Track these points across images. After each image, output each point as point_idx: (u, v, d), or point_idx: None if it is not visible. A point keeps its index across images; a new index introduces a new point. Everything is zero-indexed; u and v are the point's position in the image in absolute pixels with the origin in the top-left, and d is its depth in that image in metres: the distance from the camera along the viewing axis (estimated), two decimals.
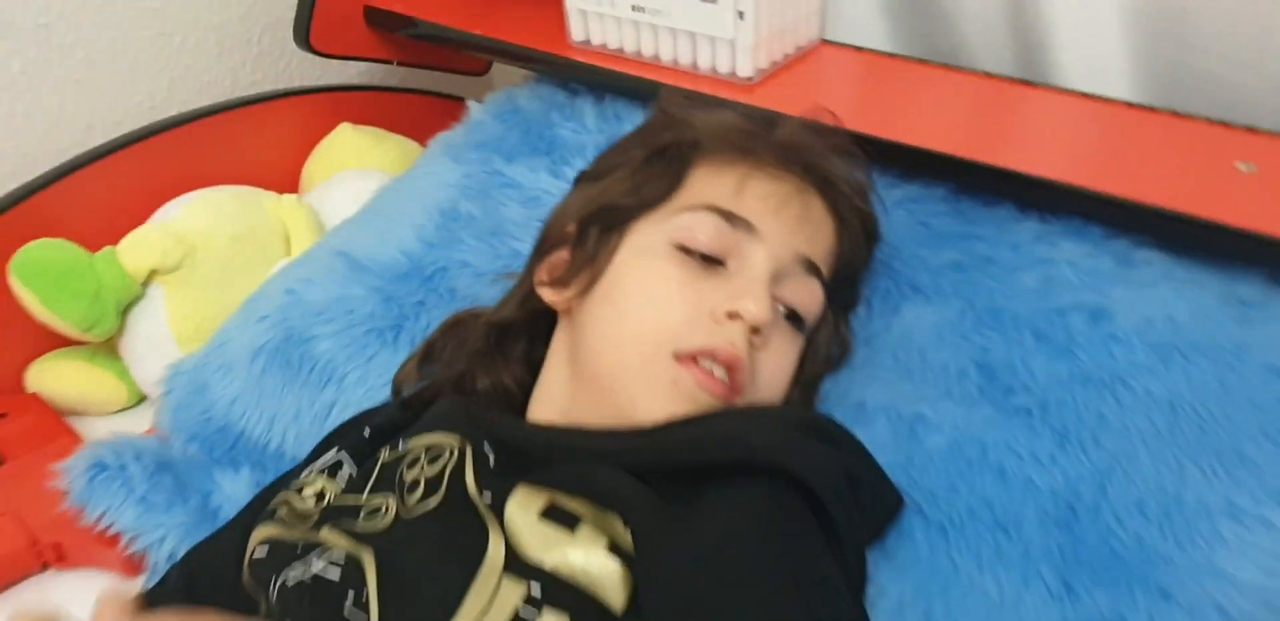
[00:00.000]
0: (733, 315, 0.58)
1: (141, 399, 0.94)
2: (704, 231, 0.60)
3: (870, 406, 0.64)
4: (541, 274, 0.67)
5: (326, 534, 0.57)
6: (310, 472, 0.65)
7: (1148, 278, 0.67)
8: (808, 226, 0.62)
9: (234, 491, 0.74)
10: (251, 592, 0.60)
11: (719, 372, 0.57)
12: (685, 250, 0.60)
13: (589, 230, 0.65)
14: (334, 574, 0.54)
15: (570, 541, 0.52)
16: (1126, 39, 0.88)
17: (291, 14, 1.05)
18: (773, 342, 0.60)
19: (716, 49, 0.86)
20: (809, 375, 0.64)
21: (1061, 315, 0.66)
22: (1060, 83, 0.89)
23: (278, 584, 0.56)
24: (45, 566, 0.78)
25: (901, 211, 0.75)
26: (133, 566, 0.74)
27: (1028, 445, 0.60)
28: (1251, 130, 0.75)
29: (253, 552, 0.60)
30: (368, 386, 0.76)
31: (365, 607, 0.52)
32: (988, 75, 0.88)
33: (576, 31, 0.94)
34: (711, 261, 0.60)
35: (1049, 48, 0.91)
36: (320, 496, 0.63)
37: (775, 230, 0.61)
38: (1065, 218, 0.71)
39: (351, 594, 0.53)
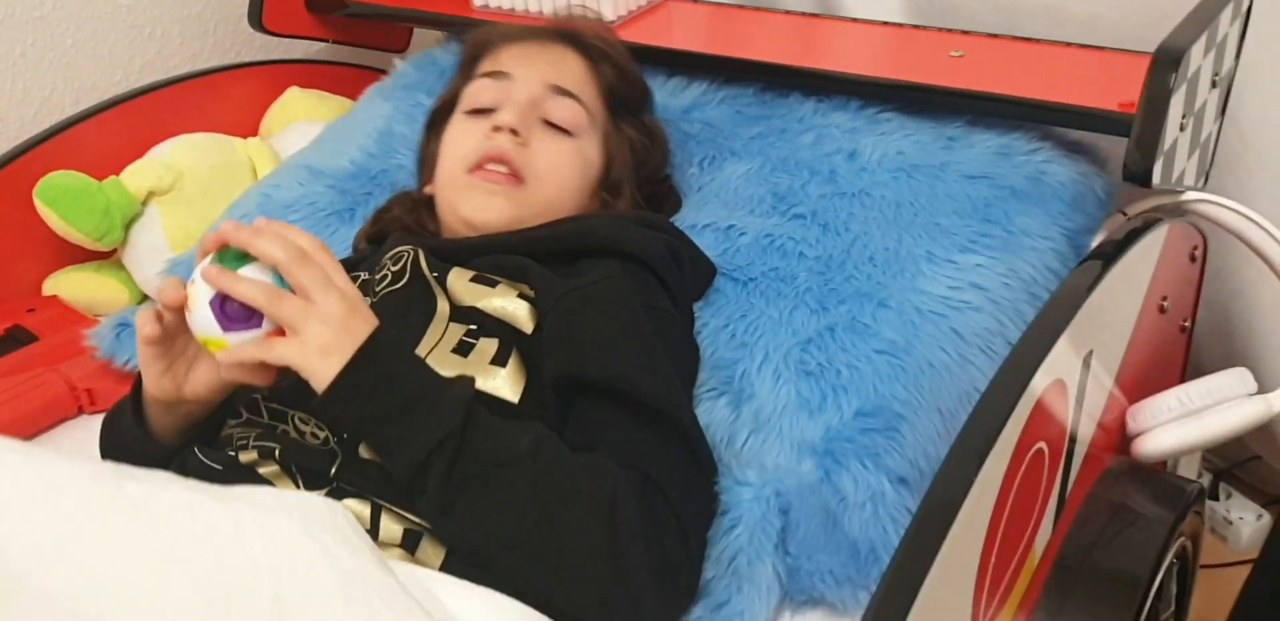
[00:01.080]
0: (495, 128, 0.84)
1: (143, 299, 1.17)
2: (479, 93, 0.87)
3: (702, 224, 0.91)
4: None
5: None
6: None
7: (887, 129, 0.95)
8: (556, 67, 0.89)
9: None
10: None
11: (500, 168, 0.83)
12: (473, 112, 0.87)
13: (428, 135, 0.93)
14: None
15: (493, 293, 0.77)
16: None
17: (238, 11, 1.30)
18: (540, 143, 0.85)
19: (584, 1, 1.14)
20: (615, 176, 0.89)
21: (828, 157, 0.94)
22: (847, 14, 1.19)
23: None
24: (80, 410, 1.00)
25: (725, 104, 1.03)
26: None
27: (801, 234, 0.87)
28: (965, 32, 1.05)
29: None
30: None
31: None
32: (794, 13, 1.17)
33: None
34: (491, 111, 0.86)
35: None
36: None
37: (526, 72, 0.88)
38: (834, 97, 1.00)
39: None
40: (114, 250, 1.15)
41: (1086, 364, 0.76)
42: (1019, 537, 0.71)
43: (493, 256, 0.79)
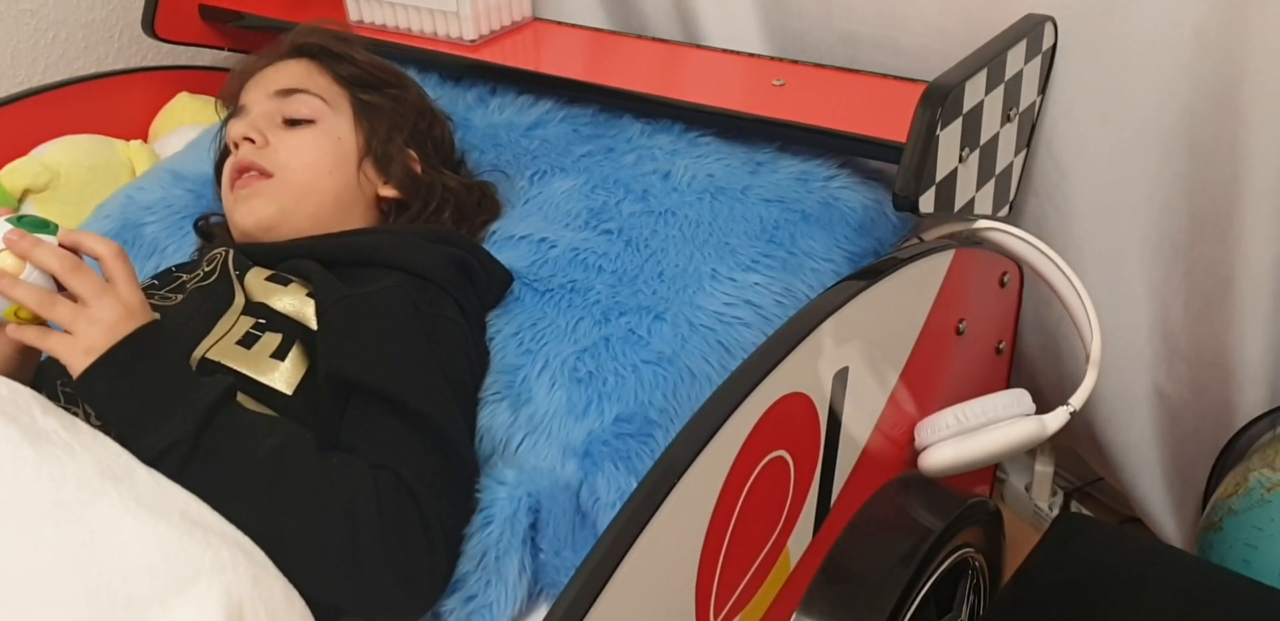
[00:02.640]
0: (235, 145, 0.94)
1: None
2: (228, 132, 0.95)
3: (519, 236, 0.97)
4: None
5: None
6: None
7: (704, 152, 1.01)
8: (278, 74, 0.97)
9: None
10: None
11: (249, 174, 0.91)
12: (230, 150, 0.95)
13: (216, 182, 1.02)
14: None
15: (284, 291, 0.82)
16: (755, 11, 1.24)
17: (137, 20, 1.35)
18: (280, 139, 0.93)
19: (448, 20, 1.19)
20: (379, 146, 0.96)
21: (645, 177, 0.99)
22: (710, 43, 1.24)
23: None
24: None
25: (564, 123, 1.09)
26: None
27: (605, 249, 0.92)
28: (795, 62, 1.10)
29: None
30: (182, 254, 1.05)
31: None
32: (657, 39, 1.22)
33: (353, 13, 1.27)
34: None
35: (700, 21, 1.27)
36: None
37: (256, 94, 0.96)
38: (660, 120, 1.05)
39: None
40: None
41: (841, 380, 0.81)
42: (757, 540, 0.76)
43: (291, 260, 0.85)
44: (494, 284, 0.90)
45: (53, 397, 0.80)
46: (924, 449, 0.94)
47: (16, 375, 0.76)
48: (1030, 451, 1.46)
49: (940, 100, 0.83)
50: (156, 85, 1.38)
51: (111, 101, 1.35)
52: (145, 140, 1.34)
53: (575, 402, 0.80)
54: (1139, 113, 1.03)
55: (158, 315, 0.73)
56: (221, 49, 1.43)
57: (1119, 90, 1.02)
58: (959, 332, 0.99)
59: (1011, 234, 0.96)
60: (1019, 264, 1.06)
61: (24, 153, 1.23)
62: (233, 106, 1.01)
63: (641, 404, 0.79)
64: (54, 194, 1.18)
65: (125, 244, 1.07)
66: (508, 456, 0.81)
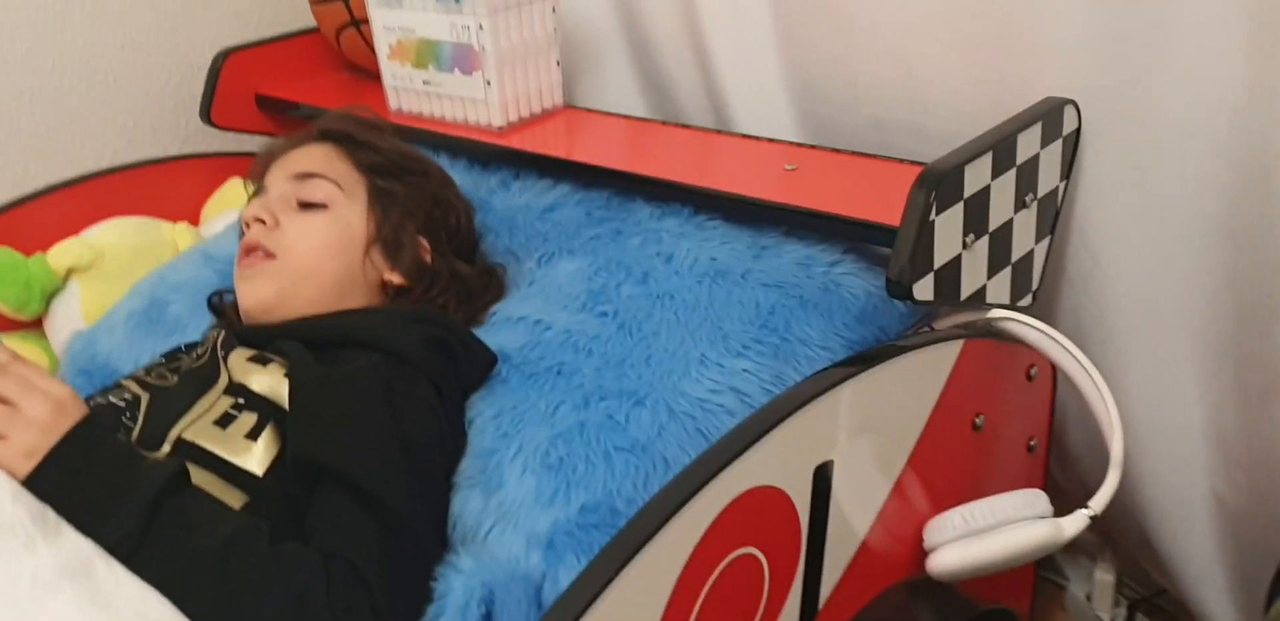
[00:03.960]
0: (247, 225, 0.96)
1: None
2: (247, 213, 0.97)
3: (518, 317, 0.96)
4: None
5: (125, 382, 0.88)
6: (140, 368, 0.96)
7: (708, 236, 0.99)
8: (299, 158, 0.99)
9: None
10: None
11: (255, 253, 0.94)
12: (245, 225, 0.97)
13: None
14: (120, 401, 0.85)
15: (262, 371, 0.83)
16: (785, 98, 1.23)
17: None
18: (291, 221, 0.95)
19: (478, 107, 1.22)
20: (388, 233, 0.97)
21: (648, 259, 0.97)
22: (743, 131, 1.23)
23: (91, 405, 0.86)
24: None
25: (579, 207, 1.09)
26: None
27: (597, 332, 0.91)
28: (812, 146, 1.08)
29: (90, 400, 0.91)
30: (201, 333, 1.07)
31: (134, 418, 0.82)
32: (690, 127, 1.22)
33: (392, 102, 1.31)
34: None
35: (731, 108, 1.27)
36: (144, 373, 0.93)
37: (275, 176, 0.98)
38: (671, 204, 1.04)
39: (128, 411, 0.83)
40: (39, 319, 1.25)
41: (824, 475, 0.76)
42: None
43: (276, 341, 0.85)
44: (476, 365, 0.88)
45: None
46: (931, 550, 0.87)
47: None
48: (1091, 558, 1.36)
49: (935, 183, 0.80)
50: (211, 170, 1.44)
51: (166, 185, 1.41)
52: (196, 223, 1.39)
53: (544, 489, 0.77)
54: (1174, 197, 0.97)
55: (87, 408, 0.72)
56: (276, 136, 1.49)
57: (1151, 174, 0.98)
58: (975, 427, 0.93)
59: (1025, 324, 0.90)
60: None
61: (77, 231, 1.28)
62: (255, 187, 1.03)
63: (609, 493, 0.76)
64: (97, 273, 1.23)
65: (150, 322, 1.10)
66: (477, 544, 0.78)
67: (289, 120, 1.46)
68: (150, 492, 0.68)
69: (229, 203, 1.39)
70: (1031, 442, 1.03)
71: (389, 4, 1.24)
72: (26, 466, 0.68)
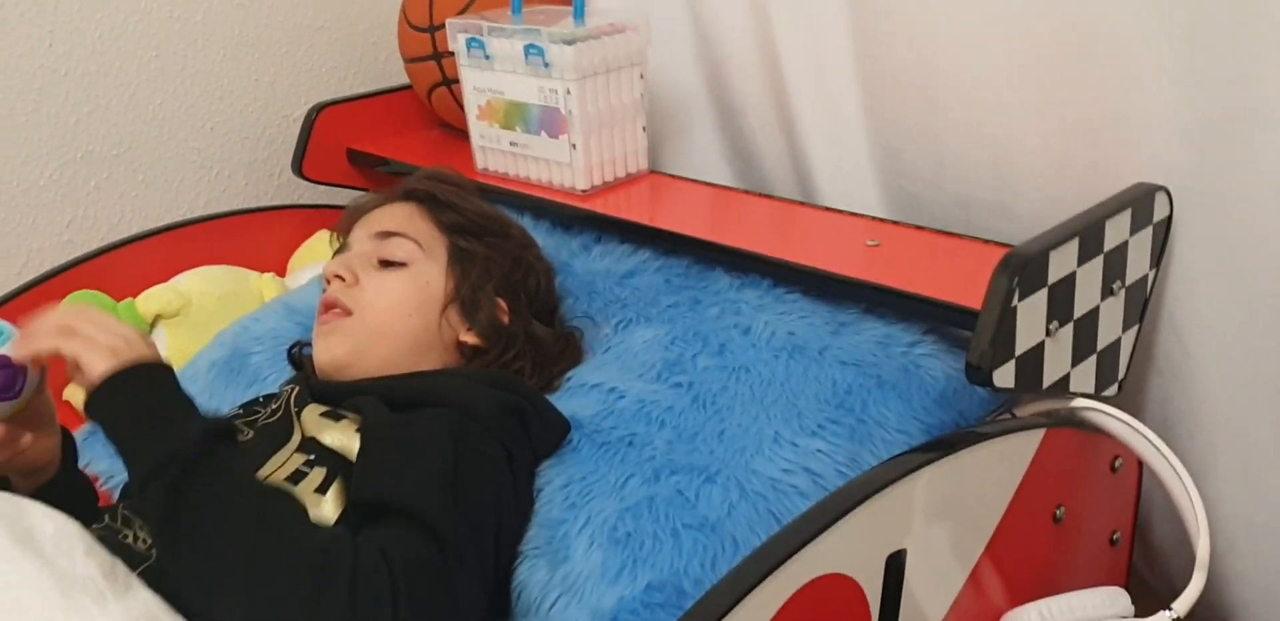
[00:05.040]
0: (328, 281, 0.98)
1: None
2: (329, 270, 0.99)
3: (591, 384, 0.96)
4: None
5: None
6: None
7: (787, 309, 0.98)
8: (382, 217, 1.01)
9: None
10: None
11: (334, 310, 0.95)
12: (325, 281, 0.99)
13: None
14: None
15: (335, 427, 0.84)
16: (870, 171, 1.23)
17: None
18: (370, 278, 0.97)
19: (562, 170, 1.24)
20: (467, 293, 0.98)
21: (725, 331, 0.97)
22: (827, 204, 1.23)
23: None
24: None
25: (658, 274, 1.09)
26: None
27: (670, 403, 0.90)
28: (895, 223, 1.08)
29: None
30: (280, 385, 1.09)
31: None
32: (774, 198, 1.22)
33: (479, 161, 1.33)
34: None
35: (817, 179, 1.27)
36: None
37: (359, 234, 1.00)
38: (750, 275, 1.04)
39: None
40: None
41: (897, 564, 0.74)
42: None
43: (351, 398, 0.86)
44: (550, 432, 0.88)
45: (111, 517, 0.83)
46: None
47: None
48: None
49: (1019, 268, 0.79)
50: (300, 221, 1.48)
51: (256, 235, 1.45)
52: (283, 274, 1.42)
53: (610, 565, 0.76)
54: (1268, 286, 0.94)
55: (155, 351, 0.76)
56: (366, 190, 1.53)
57: (1245, 262, 0.95)
58: (1056, 519, 0.90)
59: (1109, 415, 0.88)
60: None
61: (166, 279, 1.32)
62: (340, 243, 1.06)
63: (676, 572, 0.75)
64: (184, 320, 1.26)
65: (231, 372, 1.12)
66: (541, 615, 0.77)
67: (377, 175, 1.50)
68: (205, 425, 0.71)
69: (316, 255, 1.42)
70: (1115, 536, 1.00)
71: (480, 66, 1.28)
72: (107, 364, 0.71)
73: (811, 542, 0.66)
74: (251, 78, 1.53)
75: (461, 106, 1.41)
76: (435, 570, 0.70)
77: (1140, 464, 1.00)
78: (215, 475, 0.69)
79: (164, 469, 0.68)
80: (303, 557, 0.67)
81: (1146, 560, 1.14)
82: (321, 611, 0.65)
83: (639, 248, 1.14)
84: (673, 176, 1.30)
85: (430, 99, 1.47)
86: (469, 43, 1.27)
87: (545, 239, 1.19)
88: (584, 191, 1.23)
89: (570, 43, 1.17)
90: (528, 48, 1.20)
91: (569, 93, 1.19)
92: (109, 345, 0.72)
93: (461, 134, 1.47)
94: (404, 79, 1.54)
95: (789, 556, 0.65)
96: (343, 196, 1.58)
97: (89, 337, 0.73)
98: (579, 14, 1.24)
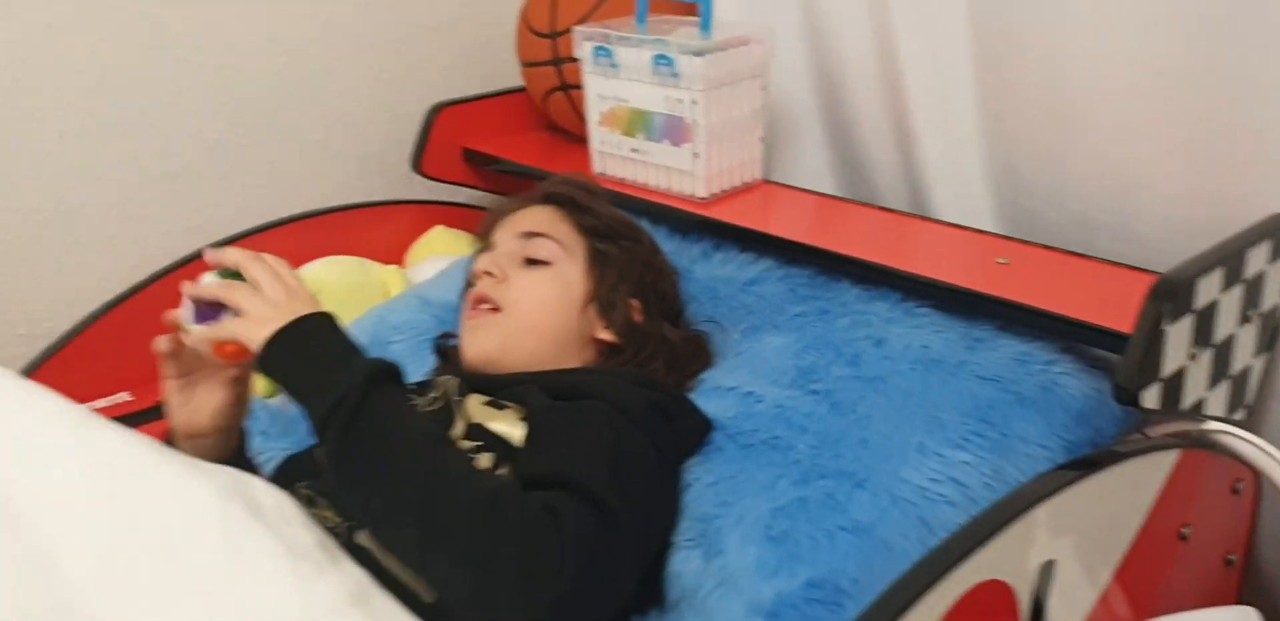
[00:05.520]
0: (477, 277, 1.03)
1: (273, 392, 1.33)
2: (475, 265, 1.04)
3: (727, 387, 1.00)
4: None
5: None
6: None
7: (920, 323, 1.02)
8: (526, 218, 1.06)
9: None
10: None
11: (483, 306, 1.00)
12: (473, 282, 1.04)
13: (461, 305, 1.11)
14: None
15: (499, 415, 0.88)
16: (985, 187, 1.26)
17: (408, 157, 1.52)
18: (517, 276, 1.01)
19: (683, 178, 1.27)
20: (605, 292, 1.03)
21: (857, 342, 1.01)
22: (938, 217, 1.26)
23: None
24: None
25: (782, 282, 1.13)
26: None
27: (810, 409, 0.94)
28: (1024, 242, 1.11)
29: None
30: (422, 374, 1.14)
31: None
32: (883, 209, 1.26)
33: (597, 165, 1.37)
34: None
35: (931, 193, 1.30)
36: None
37: (503, 234, 1.05)
38: (879, 288, 1.07)
39: None
40: None
41: (1047, 573, 0.78)
42: None
43: (509, 387, 0.90)
44: (693, 432, 0.92)
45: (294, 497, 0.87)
46: None
47: (232, 411, 0.86)
48: None
49: (1170, 295, 0.82)
50: (416, 216, 1.53)
51: (375, 228, 1.50)
52: (400, 265, 1.47)
53: (766, 560, 0.80)
54: None
55: (320, 305, 0.81)
56: (477, 189, 1.58)
57: None
58: (1182, 538, 0.93)
59: (1245, 439, 0.91)
60: (1256, 472, 1.00)
61: (296, 266, 1.37)
62: (483, 242, 1.10)
63: (834, 571, 0.78)
64: None
65: None
66: (695, 603, 0.81)
67: (490, 174, 1.55)
68: (371, 367, 0.74)
69: (433, 249, 1.47)
70: (1230, 557, 1.02)
71: (605, 73, 1.31)
72: (262, 332, 0.75)
73: (980, 548, 0.70)
74: (369, 75, 1.58)
75: (577, 111, 1.45)
76: (599, 534, 0.73)
77: (1259, 487, 1.02)
78: (387, 416, 0.74)
79: (339, 408, 0.72)
80: (475, 498, 0.70)
81: (1252, 583, 1.16)
82: (495, 550, 0.68)
83: (760, 256, 1.18)
84: (786, 186, 1.33)
85: (546, 103, 1.51)
86: (596, 51, 1.31)
87: (664, 244, 1.22)
88: (703, 199, 1.26)
89: (700, 54, 1.20)
90: (657, 58, 1.24)
91: (695, 102, 1.23)
92: (260, 315, 0.77)
93: (571, 137, 1.51)
94: (513, 81, 1.58)
95: (962, 559, 0.68)
96: (449, 193, 1.63)
97: (258, 292, 0.79)
98: (706, 26, 1.28)
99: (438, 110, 1.51)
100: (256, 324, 0.77)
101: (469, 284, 1.08)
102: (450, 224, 1.53)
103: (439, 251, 1.46)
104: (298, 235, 1.43)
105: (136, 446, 0.68)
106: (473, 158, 1.54)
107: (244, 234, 1.41)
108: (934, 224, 1.19)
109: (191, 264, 1.36)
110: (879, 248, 1.11)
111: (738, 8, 1.41)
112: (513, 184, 1.56)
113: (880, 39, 1.30)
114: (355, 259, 1.39)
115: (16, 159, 1.32)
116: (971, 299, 0.99)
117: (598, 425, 0.83)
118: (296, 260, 1.40)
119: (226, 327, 0.79)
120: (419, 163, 1.50)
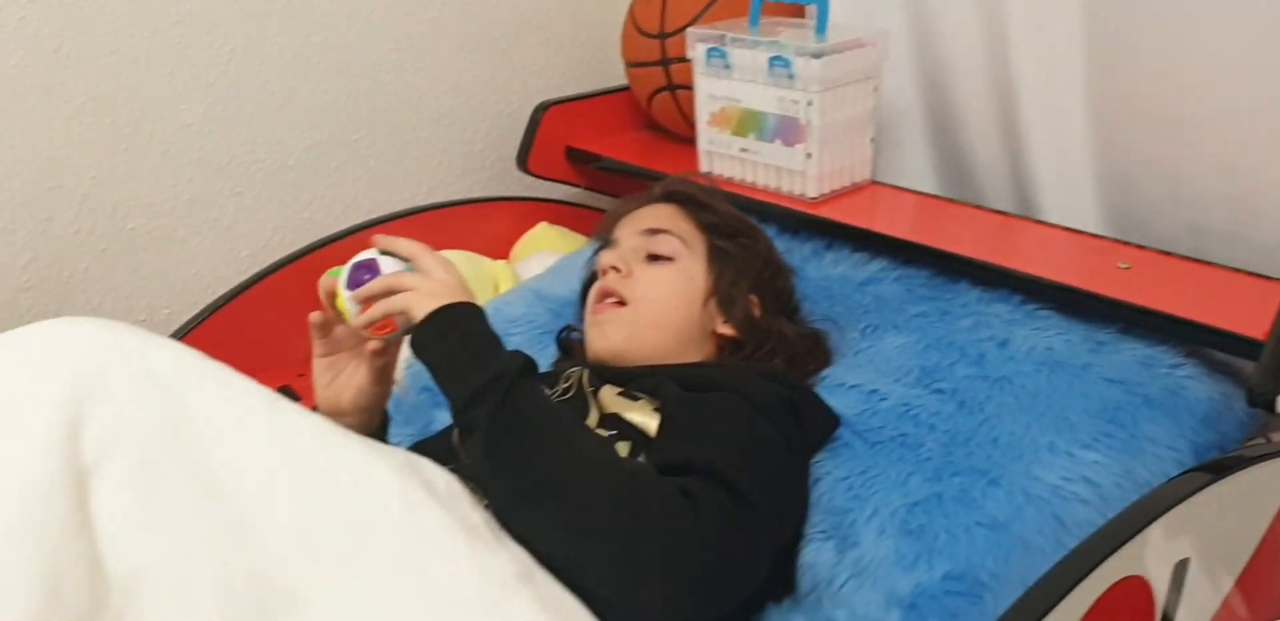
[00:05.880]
0: (603, 271, 1.05)
1: None
2: (599, 260, 1.07)
3: (850, 384, 1.02)
4: None
5: None
6: None
7: (1042, 325, 1.03)
8: (649, 215, 1.09)
9: (445, 420, 1.15)
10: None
11: (609, 300, 1.03)
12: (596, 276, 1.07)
13: (581, 300, 1.14)
14: None
15: (634, 405, 0.91)
16: (1093, 191, 1.27)
17: (512, 152, 1.56)
18: (642, 271, 1.04)
19: (794, 178, 1.30)
20: (725, 287, 1.05)
21: (981, 343, 1.03)
22: (1044, 218, 1.28)
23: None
24: None
25: (898, 283, 1.15)
26: None
27: (937, 408, 0.96)
28: (1141, 247, 1.12)
29: None
30: (541, 366, 1.17)
31: None
32: (990, 210, 1.27)
33: (704, 164, 1.40)
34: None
35: (1038, 195, 1.31)
36: None
37: (627, 231, 1.08)
38: (999, 289, 1.09)
39: None
40: None
41: (1180, 572, 0.80)
42: None
43: (639, 379, 0.94)
44: (820, 426, 0.95)
45: None
46: None
47: (377, 388, 0.91)
48: None
49: None
50: (520, 213, 1.57)
51: (481, 223, 1.54)
52: (507, 260, 1.51)
53: (904, 554, 0.83)
54: None
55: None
56: (579, 186, 1.61)
57: None
58: None
59: None
60: None
61: None
62: (604, 239, 1.13)
63: (973, 565, 0.80)
64: None
65: None
66: (830, 594, 0.84)
67: (592, 172, 1.58)
68: (522, 356, 0.79)
69: (539, 245, 1.50)
70: None
71: (718, 74, 1.34)
72: (428, 305, 0.81)
73: (1125, 545, 0.72)
74: (474, 73, 1.62)
75: (682, 111, 1.48)
76: (735, 519, 0.75)
77: None
78: (534, 398, 0.78)
79: (488, 390, 0.76)
80: (620, 481, 0.74)
81: None
82: (638, 531, 0.71)
83: (873, 256, 1.20)
84: (893, 187, 1.35)
85: (650, 103, 1.54)
86: (709, 52, 1.33)
87: (775, 243, 1.25)
88: (814, 199, 1.29)
89: (817, 56, 1.23)
90: (773, 60, 1.26)
91: (810, 104, 1.25)
92: (430, 290, 0.83)
93: (673, 137, 1.54)
94: (610, 80, 1.61)
95: (1107, 555, 0.71)
96: (546, 189, 1.67)
97: (429, 276, 0.85)
98: (821, 29, 1.30)
99: (543, 109, 1.54)
100: (426, 296, 0.82)
101: (591, 279, 1.11)
102: (553, 220, 1.57)
103: (545, 247, 1.50)
104: (406, 230, 1.46)
105: (322, 425, 0.73)
106: (576, 155, 1.57)
107: (354, 229, 1.45)
108: (1044, 226, 1.21)
109: (308, 256, 1.40)
110: (996, 249, 1.13)
111: (845, 10, 1.43)
112: (614, 181, 1.60)
113: (991, 42, 1.31)
114: (466, 253, 1.43)
115: (143, 150, 1.37)
116: (1095, 302, 1.01)
117: (732, 415, 0.86)
118: None
119: (394, 302, 0.83)
120: (525, 160, 1.54)
